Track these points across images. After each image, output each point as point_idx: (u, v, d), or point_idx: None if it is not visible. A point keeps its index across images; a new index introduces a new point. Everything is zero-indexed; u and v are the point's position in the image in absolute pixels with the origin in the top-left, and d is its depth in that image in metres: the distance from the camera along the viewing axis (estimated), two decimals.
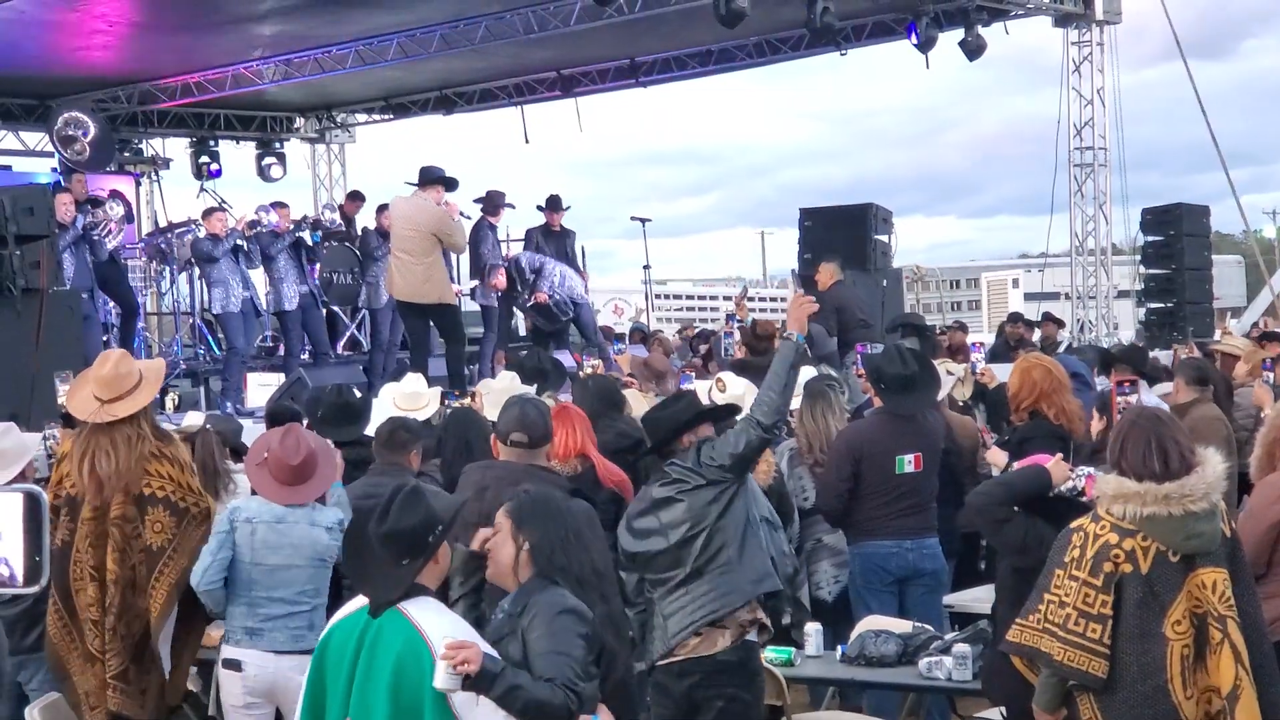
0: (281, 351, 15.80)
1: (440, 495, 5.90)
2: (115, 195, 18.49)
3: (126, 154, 22.25)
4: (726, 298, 30.95)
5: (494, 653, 4.34)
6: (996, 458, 7.18)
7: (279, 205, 15.56)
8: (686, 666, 5.58)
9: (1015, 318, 19.30)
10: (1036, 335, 18.16)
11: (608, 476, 6.48)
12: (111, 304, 15.01)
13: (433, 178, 12.69)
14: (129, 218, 18.79)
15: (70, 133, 17.74)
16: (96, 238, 14.16)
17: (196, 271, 15.40)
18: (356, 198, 17.77)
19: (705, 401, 7.12)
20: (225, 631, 6.10)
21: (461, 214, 13.81)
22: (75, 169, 17.33)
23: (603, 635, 4.45)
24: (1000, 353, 16.24)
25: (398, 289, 12.84)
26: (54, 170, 19.11)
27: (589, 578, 4.43)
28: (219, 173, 22.73)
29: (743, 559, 5.62)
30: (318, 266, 15.80)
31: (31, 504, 2.32)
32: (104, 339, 13.80)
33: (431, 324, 13.14)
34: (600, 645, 4.44)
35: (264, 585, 5.97)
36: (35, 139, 21.56)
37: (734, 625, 5.62)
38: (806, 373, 9.56)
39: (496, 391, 8.66)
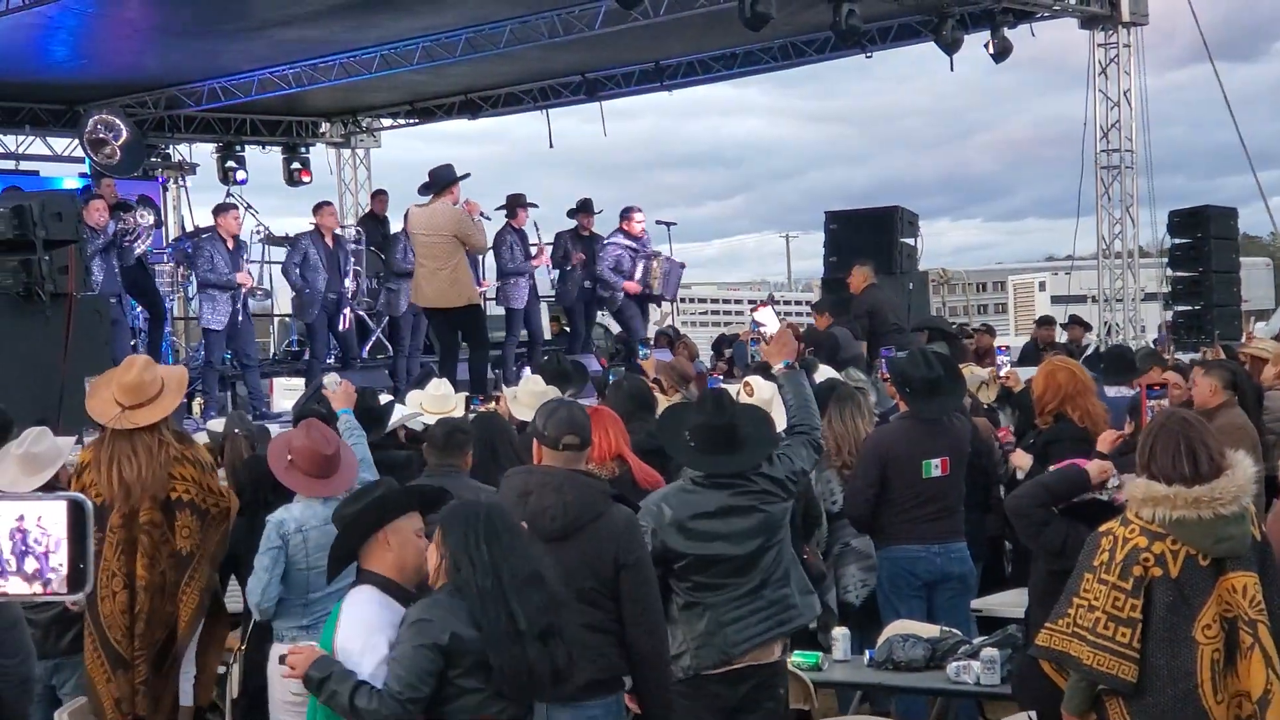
0: (308, 356, 15.80)
1: (482, 490, 6.05)
2: (144, 200, 18.54)
3: (153, 159, 22.32)
4: (751, 301, 30.92)
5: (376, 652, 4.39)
6: (1021, 461, 7.17)
7: (325, 204, 15.37)
8: (745, 673, 5.65)
9: (1044, 320, 19.26)
10: (1063, 337, 18.13)
11: (644, 478, 6.48)
12: (139, 309, 15.04)
13: (446, 180, 12.70)
14: (158, 223, 18.83)
15: (101, 135, 17.75)
16: (126, 243, 14.18)
17: None
18: (381, 194, 17.78)
19: None
20: (276, 632, 6.10)
21: (482, 214, 13.82)
22: (104, 173, 17.34)
23: (496, 646, 4.32)
24: (1030, 356, 16.21)
25: (426, 297, 12.85)
26: (83, 175, 19.18)
27: (490, 589, 4.33)
28: (245, 180, 22.75)
29: (794, 572, 5.81)
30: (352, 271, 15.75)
31: (76, 511, 2.35)
32: (132, 344, 13.82)
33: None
34: (490, 655, 4.32)
35: (319, 585, 5.99)
36: (61, 145, 21.66)
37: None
38: (827, 372, 9.58)
39: (526, 394, 8.68)
